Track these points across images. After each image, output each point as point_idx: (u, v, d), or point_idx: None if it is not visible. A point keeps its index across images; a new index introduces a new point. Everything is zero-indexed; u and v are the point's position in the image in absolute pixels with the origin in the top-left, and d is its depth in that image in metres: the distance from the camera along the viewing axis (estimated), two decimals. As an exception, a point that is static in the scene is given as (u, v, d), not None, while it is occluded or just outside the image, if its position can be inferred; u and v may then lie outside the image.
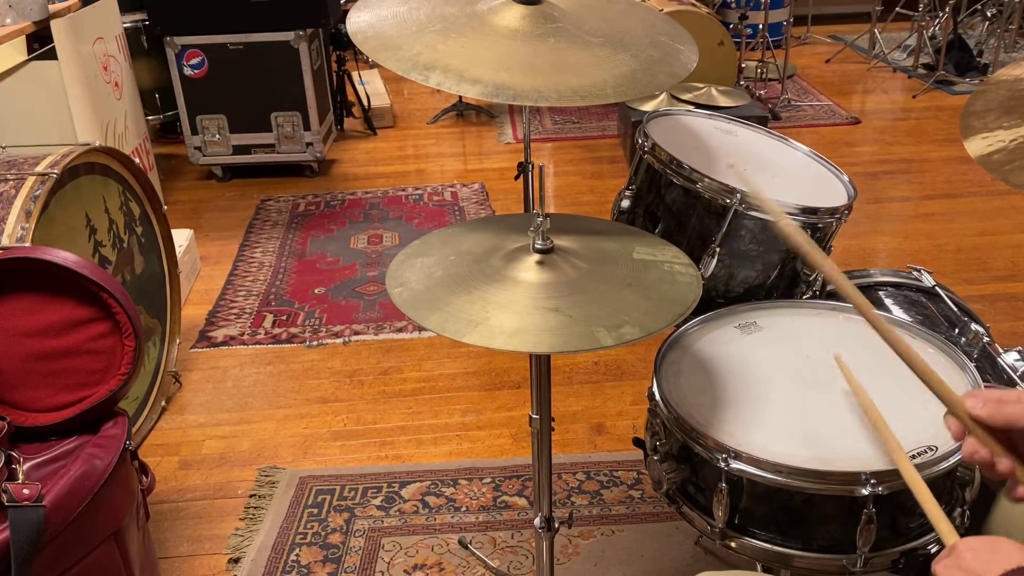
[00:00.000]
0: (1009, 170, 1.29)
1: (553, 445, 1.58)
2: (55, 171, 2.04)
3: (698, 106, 4.06)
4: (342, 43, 4.64)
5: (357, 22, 1.55)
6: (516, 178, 2.39)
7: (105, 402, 1.67)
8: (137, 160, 2.53)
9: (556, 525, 1.62)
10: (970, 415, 0.95)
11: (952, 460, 1.27)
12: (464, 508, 2.17)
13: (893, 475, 1.24)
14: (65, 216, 2.14)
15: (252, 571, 2.01)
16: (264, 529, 2.13)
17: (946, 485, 1.32)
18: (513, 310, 1.25)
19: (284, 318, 3.08)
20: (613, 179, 4.19)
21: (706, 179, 1.66)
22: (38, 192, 1.98)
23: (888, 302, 1.86)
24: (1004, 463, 0.93)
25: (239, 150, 4.22)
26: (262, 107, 4.13)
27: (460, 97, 5.02)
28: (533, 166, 2.37)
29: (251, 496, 2.24)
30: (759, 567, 1.42)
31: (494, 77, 1.41)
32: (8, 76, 2.95)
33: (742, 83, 4.95)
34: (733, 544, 1.36)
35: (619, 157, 4.47)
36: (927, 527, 1.31)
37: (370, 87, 5.15)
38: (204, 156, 4.23)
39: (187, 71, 4.05)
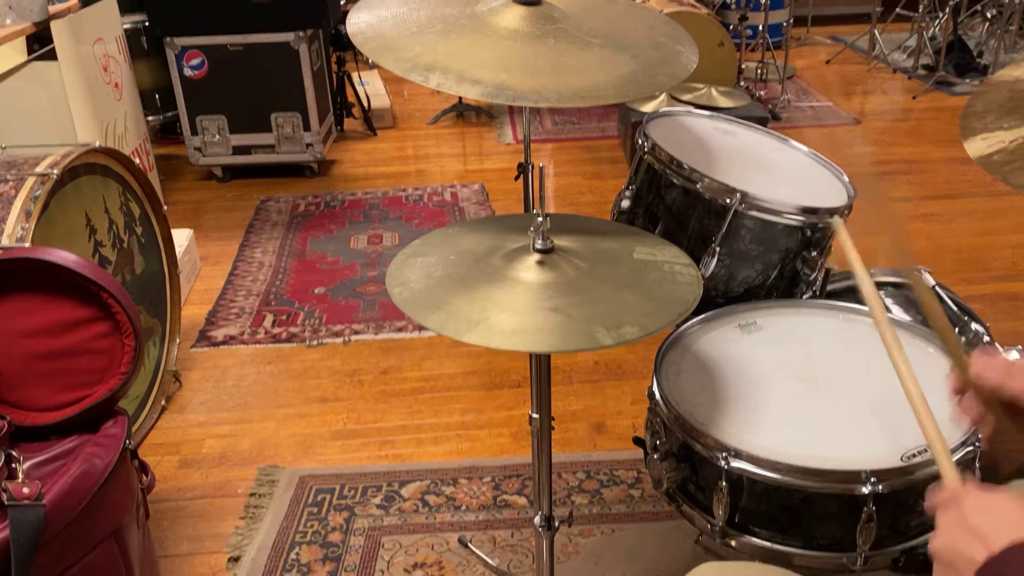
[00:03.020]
0: (1009, 171, 1.29)
1: (553, 444, 1.58)
2: (55, 171, 2.04)
3: (698, 107, 4.06)
4: (342, 44, 4.64)
5: (357, 23, 1.55)
6: (516, 179, 2.39)
7: (105, 401, 1.67)
8: (137, 160, 2.53)
9: (556, 524, 1.62)
10: (978, 378, 0.97)
11: (954, 458, 1.27)
12: (464, 507, 2.18)
13: (893, 474, 1.25)
14: (65, 216, 2.14)
15: (252, 570, 2.01)
16: (264, 528, 2.13)
17: (946, 484, 1.32)
18: (513, 310, 1.26)
19: (284, 318, 3.08)
20: (613, 179, 4.19)
21: (706, 179, 1.66)
22: (38, 192, 1.98)
23: (888, 302, 1.87)
24: (987, 428, 0.98)
25: (239, 150, 4.22)
26: (262, 108, 4.13)
27: (460, 98, 5.02)
28: (533, 167, 2.37)
29: (251, 495, 2.25)
30: (759, 566, 1.42)
31: (494, 78, 1.41)
32: (8, 77, 2.95)
33: (742, 84, 4.95)
34: (733, 543, 1.36)
35: (619, 158, 4.47)
36: (927, 525, 1.31)
37: (370, 88, 5.16)
38: (204, 156, 4.23)
39: (187, 72, 4.05)
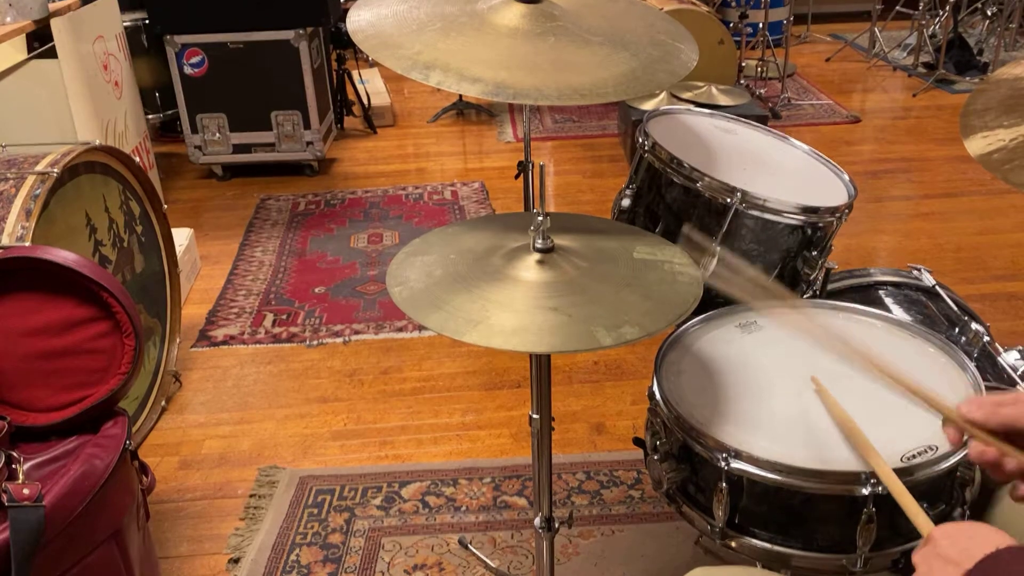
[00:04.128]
0: (1009, 169, 1.29)
1: (553, 445, 1.58)
2: (55, 170, 2.04)
3: (698, 105, 4.06)
4: (342, 42, 4.63)
5: (357, 21, 1.55)
6: (516, 177, 2.39)
7: (105, 402, 1.67)
8: (137, 159, 2.53)
9: (556, 525, 1.62)
10: (965, 419, 0.96)
11: (952, 460, 1.26)
12: (464, 508, 2.17)
13: (893, 475, 1.24)
14: (65, 215, 2.14)
15: (252, 571, 2.01)
16: (264, 529, 2.13)
17: (946, 485, 1.32)
18: (513, 309, 1.25)
19: (284, 317, 3.07)
20: (613, 178, 4.19)
21: (706, 178, 1.66)
22: (38, 191, 1.98)
23: (888, 301, 1.86)
24: (1012, 463, 0.93)
25: (239, 149, 4.22)
26: (262, 106, 4.13)
27: (460, 96, 5.02)
28: (533, 165, 2.36)
29: (251, 496, 2.24)
30: (759, 566, 1.42)
31: (494, 76, 1.41)
32: (8, 75, 2.94)
33: (742, 82, 4.95)
34: (733, 544, 1.36)
35: (619, 156, 4.47)
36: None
37: (370, 86, 5.15)
38: (204, 155, 4.22)
39: (187, 70, 4.05)
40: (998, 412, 0.94)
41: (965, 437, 1.00)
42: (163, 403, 2.58)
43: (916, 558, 0.87)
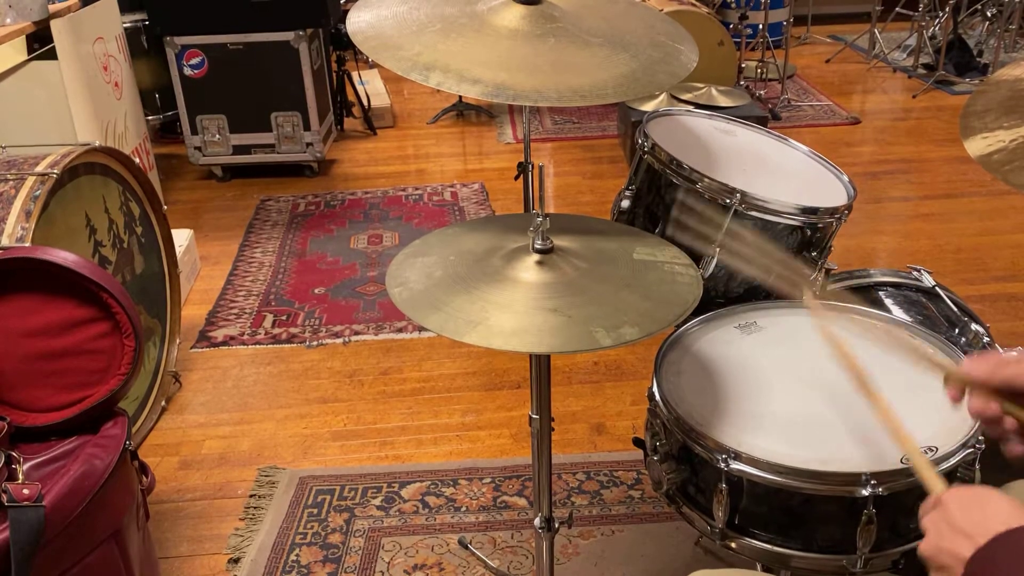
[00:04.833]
0: (1009, 170, 1.29)
1: (553, 445, 1.58)
2: (55, 171, 2.04)
3: (698, 106, 4.06)
4: (342, 43, 4.64)
5: (357, 22, 1.55)
6: (516, 178, 2.39)
7: (105, 402, 1.67)
8: (137, 160, 2.53)
9: (556, 525, 1.62)
10: (968, 376, 0.96)
11: (953, 460, 1.27)
12: (464, 508, 2.17)
13: (893, 476, 1.24)
14: (65, 216, 2.14)
15: (252, 571, 2.01)
16: (264, 529, 2.13)
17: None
18: (512, 310, 1.25)
19: (284, 318, 3.08)
20: (613, 179, 4.19)
21: (706, 179, 1.66)
22: (38, 192, 1.98)
23: (888, 302, 1.87)
24: (1011, 420, 0.93)
25: (239, 150, 4.22)
26: (262, 107, 4.13)
27: (460, 97, 5.02)
28: (533, 166, 2.36)
29: (251, 496, 2.24)
30: (759, 567, 1.42)
31: (494, 77, 1.41)
32: (8, 76, 2.95)
33: (742, 83, 4.95)
34: (733, 545, 1.36)
35: (619, 157, 4.47)
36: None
37: (370, 87, 5.15)
38: (204, 156, 4.23)
39: (187, 71, 4.05)
40: (1001, 370, 0.94)
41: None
42: (163, 403, 2.58)
43: (925, 521, 0.84)
